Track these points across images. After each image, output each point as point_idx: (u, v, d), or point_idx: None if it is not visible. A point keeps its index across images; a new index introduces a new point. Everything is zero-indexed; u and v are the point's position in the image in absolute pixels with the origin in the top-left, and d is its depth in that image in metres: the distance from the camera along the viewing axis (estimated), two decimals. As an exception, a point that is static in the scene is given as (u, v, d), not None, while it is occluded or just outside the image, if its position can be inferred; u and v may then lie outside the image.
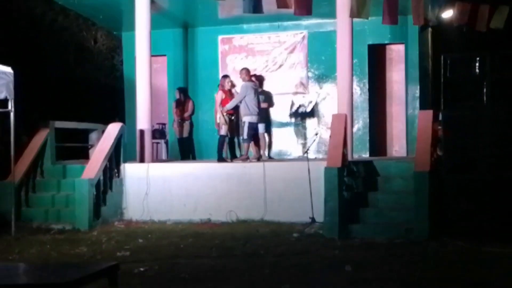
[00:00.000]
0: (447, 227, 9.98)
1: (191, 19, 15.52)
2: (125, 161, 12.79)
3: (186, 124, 14.71)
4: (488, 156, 10.28)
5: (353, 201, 10.84)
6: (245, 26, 15.45)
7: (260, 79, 14.57)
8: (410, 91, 14.68)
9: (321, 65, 15.12)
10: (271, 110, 14.73)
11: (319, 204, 10.77)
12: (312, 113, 15.24)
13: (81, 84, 18.89)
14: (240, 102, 12.86)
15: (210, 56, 15.74)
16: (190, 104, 14.77)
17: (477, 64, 10.54)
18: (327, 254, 8.95)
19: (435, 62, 14.27)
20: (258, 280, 7.54)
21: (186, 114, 14.68)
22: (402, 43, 14.79)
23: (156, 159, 14.33)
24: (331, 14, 12.88)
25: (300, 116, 15.33)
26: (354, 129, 13.69)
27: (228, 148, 13.33)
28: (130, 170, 12.68)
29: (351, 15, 11.90)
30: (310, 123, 15.28)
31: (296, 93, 15.31)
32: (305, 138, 15.21)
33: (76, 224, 11.41)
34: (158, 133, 15.22)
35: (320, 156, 14.21)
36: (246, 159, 12.89)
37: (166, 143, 15.58)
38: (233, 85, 13.55)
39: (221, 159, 12.87)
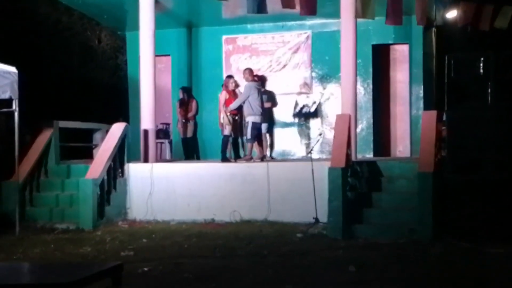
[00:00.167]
0: (451, 228, 9.97)
1: (195, 19, 15.53)
2: (129, 161, 12.81)
3: (190, 124, 14.71)
4: (492, 157, 10.27)
5: (357, 202, 10.84)
6: (249, 26, 15.45)
7: (263, 79, 14.59)
8: (414, 92, 14.67)
9: (325, 65, 15.11)
10: (275, 110, 14.75)
11: (322, 205, 10.78)
12: (316, 113, 15.24)
13: (85, 84, 18.91)
14: (244, 102, 12.86)
15: (214, 56, 15.74)
16: (193, 104, 14.77)
17: (481, 64, 10.52)
18: (331, 254, 8.95)
19: (439, 62, 14.25)
20: (261, 280, 7.54)
21: (190, 114, 14.68)
22: (406, 43, 14.78)
23: (160, 159, 14.34)
24: (335, 14, 12.87)
25: (304, 116, 15.32)
26: (358, 129, 13.69)
27: (232, 148, 13.34)
28: (134, 170, 12.69)
29: (356, 16, 11.90)
30: (314, 123, 15.27)
31: (300, 93, 15.31)
32: (309, 138, 15.21)
33: (80, 224, 11.42)
34: (162, 133, 15.22)
35: (324, 156, 14.19)
36: (250, 159, 12.89)
37: (170, 143, 15.58)
38: (237, 85, 13.56)
39: (225, 159, 12.88)
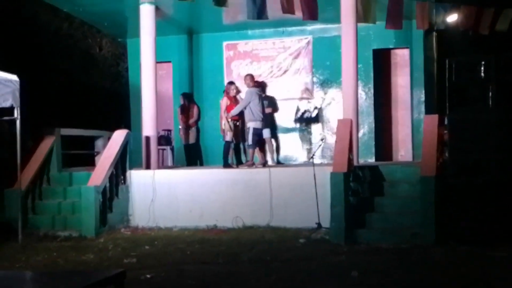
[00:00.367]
0: (454, 232, 9.94)
1: (196, 25, 15.55)
2: (131, 168, 12.82)
3: (192, 131, 14.73)
4: (494, 160, 10.25)
5: (359, 206, 10.83)
6: (249, 32, 15.47)
7: (264, 85, 14.61)
8: (415, 96, 14.68)
9: (326, 70, 15.13)
10: (276, 115, 14.77)
11: (325, 210, 10.76)
12: (318, 119, 15.24)
13: (86, 91, 18.93)
14: (245, 108, 12.88)
15: (215, 62, 15.77)
16: (195, 110, 14.79)
17: (482, 67, 10.52)
18: (334, 259, 8.94)
19: (440, 66, 14.24)
20: (264, 286, 7.54)
21: (192, 120, 14.70)
22: (407, 48, 14.80)
23: (162, 165, 14.34)
24: (336, 19, 12.88)
25: (306, 121, 15.33)
26: (360, 134, 13.70)
27: (234, 154, 13.35)
28: (136, 177, 12.70)
29: (358, 20, 11.92)
30: (316, 128, 15.28)
31: (301, 98, 15.32)
32: (310, 144, 15.21)
33: (83, 231, 11.42)
34: (164, 139, 15.24)
35: (326, 161, 14.20)
36: (252, 165, 12.90)
37: (172, 149, 15.59)
38: (238, 91, 13.58)
39: (226, 165, 12.89)
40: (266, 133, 13.75)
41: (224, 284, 7.67)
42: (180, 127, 14.90)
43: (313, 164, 11.44)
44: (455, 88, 10.60)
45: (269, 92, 14.87)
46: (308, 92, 15.27)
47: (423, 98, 14.58)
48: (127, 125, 15.11)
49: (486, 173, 10.24)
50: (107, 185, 12.00)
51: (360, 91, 13.93)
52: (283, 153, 15.07)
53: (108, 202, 12.04)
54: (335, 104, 14.79)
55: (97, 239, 11.02)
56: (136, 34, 13.78)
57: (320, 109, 15.22)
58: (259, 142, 13.27)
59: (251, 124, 12.83)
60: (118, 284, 5.06)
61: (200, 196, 12.22)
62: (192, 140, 14.77)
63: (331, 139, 13.91)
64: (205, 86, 15.84)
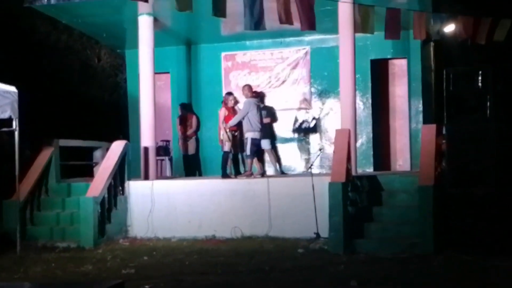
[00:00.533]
0: (452, 241, 9.95)
1: (194, 36, 15.59)
2: (129, 179, 12.82)
3: (192, 141, 14.75)
4: (492, 169, 10.27)
5: (358, 216, 10.83)
6: (247, 42, 15.51)
7: (262, 95, 14.63)
8: (413, 105, 14.70)
9: (324, 81, 15.16)
10: (275, 125, 14.77)
11: (323, 219, 10.76)
12: (316, 129, 15.26)
13: (85, 102, 18.92)
14: (243, 118, 12.90)
15: (213, 73, 15.80)
16: (193, 120, 14.82)
17: (479, 77, 10.56)
18: (332, 269, 8.94)
19: (437, 76, 14.28)
20: (263, 296, 7.53)
21: (191, 131, 14.73)
22: (404, 58, 14.83)
23: (160, 176, 14.34)
24: (334, 29, 12.93)
25: (304, 131, 15.35)
26: (358, 144, 13.70)
27: (232, 164, 13.36)
28: (135, 188, 12.70)
29: (356, 31, 11.96)
30: (314, 138, 15.29)
31: (299, 108, 15.34)
32: (309, 154, 15.22)
33: (81, 242, 11.41)
34: (163, 150, 15.24)
35: (324, 171, 14.21)
36: (250, 175, 12.91)
37: (171, 160, 15.59)
38: (236, 102, 13.61)
39: (225, 175, 12.90)
40: (266, 144, 13.78)
41: (222, 294, 7.67)
42: (179, 137, 14.91)
43: (312, 174, 11.45)
44: (453, 98, 10.65)
45: (267, 102, 14.90)
46: (306, 102, 15.29)
47: (421, 108, 14.60)
48: (125, 136, 15.12)
49: (484, 183, 10.26)
50: (106, 195, 12.00)
51: (358, 101, 13.97)
52: (282, 163, 15.06)
53: (107, 213, 12.03)
54: (333, 114, 14.81)
55: (95, 250, 11.00)
56: (135, 45, 13.82)
57: (318, 119, 15.25)
58: (257, 152, 13.29)
59: (249, 135, 12.85)
60: (117, 295, 5.06)
61: (199, 206, 12.21)
62: (191, 150, 14.79)
63: (329, 149, 13.91)
64: (203, 97, 15.86)
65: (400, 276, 8.42)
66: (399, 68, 15.13)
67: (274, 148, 14.57)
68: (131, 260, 9.94)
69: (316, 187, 11.16)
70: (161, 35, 14.05)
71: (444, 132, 10.95)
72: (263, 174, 13.28)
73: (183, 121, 14.85)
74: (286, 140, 15.28)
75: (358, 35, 12.38)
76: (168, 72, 16.07)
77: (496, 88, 10.43)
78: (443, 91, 10.61)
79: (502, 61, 12.02)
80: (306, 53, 15.29)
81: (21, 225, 11.33)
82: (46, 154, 12.94)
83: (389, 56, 14.98)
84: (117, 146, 12.74)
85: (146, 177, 12.99)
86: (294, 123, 15.35)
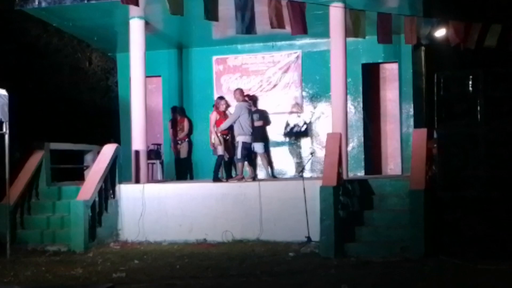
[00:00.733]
0: (443, 245, 9.97)
1: (186, 40, 15.59)
2: (120, 182, 12.79)
3: (184, 145, 14.74)
4: (483, 174, 10.29)
5: (349, 220, 10.84)
6: (239, 46, 15.52)
7: (254, 99, 14.63)
8: (404, 110, 14.73)
9: (315, 85, 15.18)
10: (266, 129, 14.76)
11: (314, 223, 10.77)
12: (307, 132, 15.27)
13: (76, 105, 18.90)
14: (234, 122, 12.89)
15: (204, 77, 15.79)
16: (185, 124, 14.81)
17: (470, 82, 10.58)
18: (323, 273, 8.94)
19: (428, 81, 14.33)
20: (254, 300, 7.53)
21: (182, 134, 14.73)
22: (395, 62, 14.86)
23: (151, 179, 14.31)
24: (325, 33, 12.96)
25: (295, 135, 15.35)
26: (349, 148, 13.72)
27: (224, 168, 13.35)
28: (126, 191, 12.67)
29: (347, 35, 11.99)
30: (305, 142, 15.30)
31: (290, 112, 15.35)
32: (300, 157, 15.22)
33: (72, 246, 11.38)
34: (154, 153, 15.20)
35: (315, 175, 14.21)
36: (242, 178, 12.90)
37: (162, 163, 15.56)
38: (228, 106, 13.60)
39: (216, 179, 12.88)
40: (259, 147, 13.79)
41: (213, 298, 7.66)
42: (172, 140, 14.91)
43: (303, 178, 11.46)
44: (444, 102, 10.65)
45: (259, 106, 14.89)
46: (297, 106, 15.31)
47: (412, 112, 14.63)
48: (116, 139, 15.08)
49: (475, 187, 10.28)
50: (96, 199, 11.97)
51: (349, 105, 13.98)
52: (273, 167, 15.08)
53: (97, 216, 12.01)
54: (325, 118, 14.82)
55: (86, 254, 10.97)
56: (126, 48, 13.80)
57: (310, 123, 15.25)
58: (248, 156, 13.28)
59: (240, 138, 12.84)
60: (107, 298, 5.05)
61: (190, 210, 12.20)
62: (184, 154, 14.79)
63: (321, 153, 13.92)
64: (194, 101, 15.85)
65: (391, 280, 8.42)
66: (390, 72, 15.16)
67: (267, 152, 14.57)
68: (122, 264, 9.92)
69: (307, 191, 11.16)
70: (152, 38, 14.04)
71: (435, 136, 10.96)
72: (254, 177, 13.28)
73: (174, 124, 14.83)
74: (277, 144, 15.27)
75: (350, 39, 12.41)
76: (159, 76, 16.05)
77: (486, 93, 10.44)
78: (434, 95, 10.61)
79: (493, 66, 12.05)
80: (297, 57, 15.31)
81: (11, 228, 11.28)
82: (36, 158, 12.89)
83: (380, 60, 15.01)
84: (108, 150, 12.72)
85: (137, 181, 12.97)
86: (286, 127, 15.35)
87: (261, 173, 14.55)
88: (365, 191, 11.50)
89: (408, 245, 10.07)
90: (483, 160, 10.30)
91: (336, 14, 12.18)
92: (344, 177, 11.77)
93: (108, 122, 17.66)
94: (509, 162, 10.23)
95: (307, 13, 11.07)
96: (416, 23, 12.08)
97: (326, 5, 12.08)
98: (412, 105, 14.64)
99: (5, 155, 10.68)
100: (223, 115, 13.33)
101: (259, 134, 13.85)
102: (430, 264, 9.36)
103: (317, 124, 15.19)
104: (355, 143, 14.82)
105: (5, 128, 10.64)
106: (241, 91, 13.52)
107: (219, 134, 13.01)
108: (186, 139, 14.84)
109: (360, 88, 14.89)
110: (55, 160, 13.57)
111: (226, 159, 13.19)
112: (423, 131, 11.35)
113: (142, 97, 13.33)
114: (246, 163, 13.19)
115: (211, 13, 10.52)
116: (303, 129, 15.30)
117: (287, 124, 15.35)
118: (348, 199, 11.24)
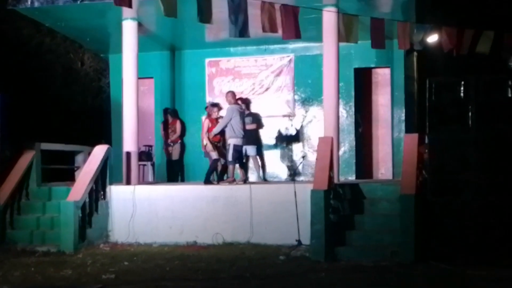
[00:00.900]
0: (434, 250, 10.00)
1: (178, 42, 15.59)
2: (111, 183, 12.75)
3: (177, 147, 14.73)
4: (473, 179, 10.33)
5: (340, 224, 10.85)
6: (232, 49, 15.52)
7: (246, 102, 14.63)
8: (396, 115, 14.76)
9: (308, 88, 15.19)
10: (260, 132, 14.77)
11: (305, 227, 10.77)
12: (299, 136, 15.28)
13: (67, 106, 18.86)
14: (226, 125, 12.89)
15: (197, 79, 15.78)
16: (177, 126, 14.80)
17: (462, 88, 10.63)
18: (314, 277, 8.94)
19: (420, 86, 14.36)
20: (244, 303, 7.52)
21: (175, 136, 14.72)
22: (388, 67, 14.90)
23: (142, 181, 14.29)
24: (318, 38, 12.98)
25: (287, 139, 15.36)
26: (340, 152, 13.73)
27: (216, 171, 13.35)
28: (116, 192, 12.64)
29: (340, 40, 12.01)
30: (297, 146, 15.31)
31: (282, 116, 15.35)
32: (291, 161, 15.23)
33: (61, 247, 11.34)
34: (145, 155, 15.20)
35: (307, 178, 14.22)
36: (233, 181, 12.89)
37: (153, 165, 15.56)
38: (219, 109, 13.60)
39: (207, 181, 12.88)
40: (252, 150, 13.80)
41: (203, 300, 7.64)
42: (164, 142, 14.90)
43: (294, 181, 11.47)
44: (435, 108, 10.69)
45: (251, 109, 14.89)
46: (289, 110, 15.32)
47: (403, 117, 14.67)
48: (108, 141, 15.06)
49: (466, 193, 10.31)
50: (87, 200, 11.94)
51: (341, 109, 13.99)
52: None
53: (88, 217, 11.97)
54: (316, 122, 14.84)
55: (75, 255, 10.93)
56: (118, 49, 13.78)
57: (301, 127, 15.27)
58: (240, 159, 13.28)
59: (232, 141, 12.84)
60: (97, 299, 5.03)
61: (181, 212, 12.18)
62: (176, 156, 14.78)
63: (312, 157, 13.95)
64: (186, 103, 15.84)
65: (381, 284, 8.44)
66: (382, 77, 15.20)
67: (259, 155, 14.57)
68: (112, 265, 9.89)
69: (298, 195, 11.16)
70: (145, 40, 14.02)
71: (426, 141, 10.99)
72: (245, 180, 13.27)
73: (167, 126, 14.82)
74: (269, 147, 15.27)
75: (342, 43, 12.43)
76: (151, 77, 16.04)
77: (478, 99, 10.49)
78: (426, 101, 10.65)
79: (484, 72, 12.11)
80: (290, 61, 15.32)
81: (1, 228, 11.27)
82: (27, 158, 12.85)
83: (372, 65, 15.05)
84: (99, 151, 12.69)
85: (128, 182, 12.94)
86: (277, 130, 15.35)
87: (252, 176, 14.55)
88: (356, 195, 11.52)
89: (399, 249, 10.08)
90: (474, 166, 10.35)
91: (329, 19, 12.20)
92: (335, 181, 11.78)
93: (100, 123, 17.63)
94: (499, 167, 10.27)
95: (300, 17, 11.07)
96: (408, 28, 12.12)
97: (319, 9, 12.09)
98: (404, 110, 14.68)
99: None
100: (215, 123, 13.31)
101: (252, 137, 13.86)
102: (420, 269, 9.38)
103: (309, 128, 15.20)
104: (346, 147, 14.84)
105: (-4, 128, 10.62)
106: (233, 94, 13.51)
107: (210, 139, 13.02)
108: (179, 141, 14.83)
109: (352, 93, 14.92)
110: (46, 161, 13.54)
111: (222, 163, 13.21)
112: (415, 136, 11.38)
113: (134, 99, 13.31)
114: (237, 165, 13.18)
115: (205, 15, 10.52)
116: (294, 132, 15.31)
117: (279, 128, 15.35)
118: (339, 203, 11.25)
